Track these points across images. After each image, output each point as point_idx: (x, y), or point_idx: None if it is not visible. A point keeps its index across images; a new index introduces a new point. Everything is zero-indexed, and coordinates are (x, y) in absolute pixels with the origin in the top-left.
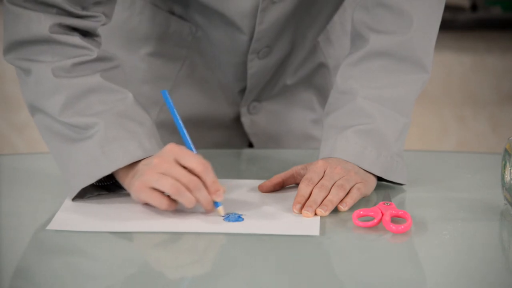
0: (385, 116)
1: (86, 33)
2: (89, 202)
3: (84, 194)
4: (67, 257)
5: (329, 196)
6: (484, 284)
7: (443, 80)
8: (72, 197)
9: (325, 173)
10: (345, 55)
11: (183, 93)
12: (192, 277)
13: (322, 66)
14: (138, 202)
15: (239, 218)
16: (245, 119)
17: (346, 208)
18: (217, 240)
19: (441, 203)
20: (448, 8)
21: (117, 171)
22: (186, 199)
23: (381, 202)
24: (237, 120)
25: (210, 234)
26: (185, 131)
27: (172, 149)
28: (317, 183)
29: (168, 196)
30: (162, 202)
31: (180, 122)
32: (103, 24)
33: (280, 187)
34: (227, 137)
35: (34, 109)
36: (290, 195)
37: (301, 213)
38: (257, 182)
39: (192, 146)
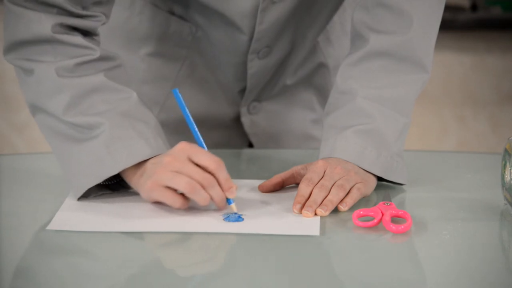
0: (385, 116)
1: (86, 33)
2: (89, 202)
3: (89, 193)
4: (68, 257)
5: (329, 196)
6: (484, 284)
7: (443, 80)
8: (78, 197)
9: (325, 173)
10: (345, 55)
11: (183, 93)
12: (192, 277)
13: (322, 66)
14: (147, 201)
15: (239, 218)
16: (245, 119)
17: (346, 208)
18: (217, 240)
19: (441, 203)
20: (448, 8)
21: (123, 170)
22: (200, 197)
23: (381, 202)
24: (237, 120)
25: (210, 234)
26: (196, 129)
27: (184, 147)
28: (317, 183)
29: (181, 194)
30: (176, 201)
31: (191, 120)
32: (103, 24)
33: (280, 187)
34: (227, 137)
35: (36, 109)
36: (290, 195)
37: (301, 213)
38: (257, 182)
39: (203, 143)
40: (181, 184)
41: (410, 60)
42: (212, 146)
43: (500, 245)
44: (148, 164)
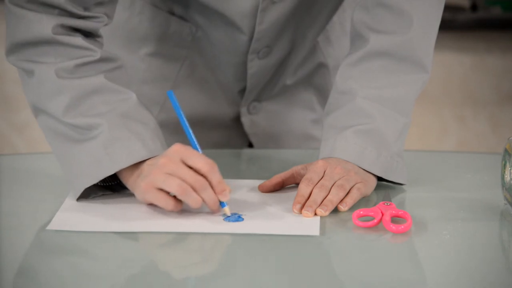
0: (385, 116)
1: (88, 34)
2: (89, 202)
3: (89, 194)
4: (68, 257)
5: (329, 196)
6: (484, 284)
7: (443, 80)
8: (76, 197)
9: (325, 173)
10: (344, 55)
11: (183, 93)
12: (192, 277)
13: (321, 66)
14: (142, 202)
15: (239, 218)
16: (245, 119)
17: (346, 208)
18: (217, 240)
19: (441, 203)
20: (448, 8)
21: (121, 171)
22: (192, 200)
23: (381, 202)
24: (237, 120)
25: (210, 234)
26: (190, 131)
27: (178, 149)
28: (317, 183)
29: (174, 197)
30: (168, 203)
31: (186, 122)
32: (105, 25)
33: (280, 187)
34: (227, 137)
35: (37, 110)
36: (290, 195)
37: (301, 213)
38: (257, 182)
39: (198, 146)
40: (173, 187)
41: (410, 60)
42: (212, 146)
43: (500, 245)
44: (145, 165)
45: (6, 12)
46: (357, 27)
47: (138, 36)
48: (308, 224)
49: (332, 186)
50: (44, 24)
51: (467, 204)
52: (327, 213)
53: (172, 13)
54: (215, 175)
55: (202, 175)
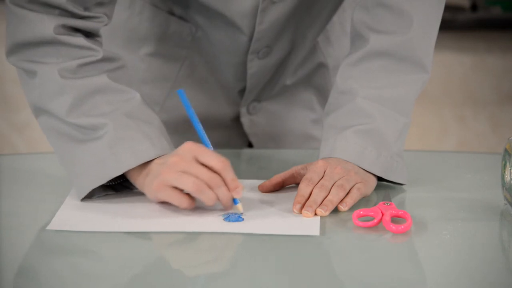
0: (385, 116)
1: (88, 34)
2: (89, 202)
3: (93, 194)
4: (69, 257)
5: (329, 196)
6: (484, 284)
7: (443, 80)
8: (81, 197)
9: (325, 173)
10: (344, 55)
11: None
12: (192, 277)
13: (321, 66)
14: (152, 201)
15: (239, 218)
16: (245, 119)
17: (346, 208)
18: (217, 240)
19: (441, 203)
20: (448, 8)
21: (128, 171)
22: (207, 197)
23: (381, 202)
24: (236, 120)
25: (210, 234)
26: (202, 129)
27: (191, 147)
28: (317, 183)
29: (188, 194)
30: (182, 201)
31: (197, 120)
32: (105, 25)
33: (280, 187)
34: (227, 137)
35: (38, 111)
36: (290, 195)
37: (301, 213)
38: (257, 182)
39: (209, 143)
40: (188, 184)
41: (410, 60)
42: (212, 146)
43: (500, 245)
44: (153, 164)
45: (7, 12)
46: (357, 27)
47: (138, 36)
48: (308, 224)
49: (332, 186)
50: (45, 24)
51: (467, 204)
52: (327, 213)
53: (172, 13)
54: (228, 173)
55: (215, 172)
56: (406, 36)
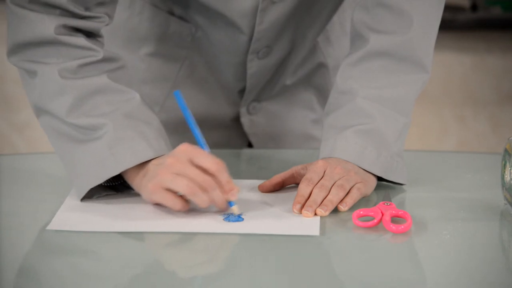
0: (385, 116)
1: (89, 34)
2: (90, 202)
3: (93, 194)
4: (70, 257)
5: (329, 196)
6: (484, 284)
7: (443, 80)
8: (81, 197)
9: (325, 173)
10: (344, 55)
11: (183, 93)
12: (193, 277)
13: (321, 66)
14: (148, 202)
15: (239, 218)
16: (245, 119)
17: (346, 208)
18: (217, 240)
19: (441, 203)
20: (448, 8)
21: (126, 171)
22: (200, 199)
23: (381, 202)
24: (236, 120)
25: (210, 234)
26: (198, 130)
27: (186, 149)
28: (317, 183)
29: (181, 196)
30: (176, 203)
31: (193, 121)
32: (106, 25)
33: (280, 187)
34: (227, 137)
35: (39, 111)
36: (290, 195)
37: (301, 213)
38: (257, 182)
39: (205, 145)
40: (181, 187)
41: (410, 60)
42: (212, 146)
43: (500, 245)
44: (151, 165)
45: (8, 13)
46: (357, 27)
47: (138, 36)
48: (308, 224)
49: (332, 186)
50: (46, 25)
51: (467, 204)
52: (327, 213)
53: (172, 13)
54: (223, 175)
55: (210, 174)
56: (406, 36)
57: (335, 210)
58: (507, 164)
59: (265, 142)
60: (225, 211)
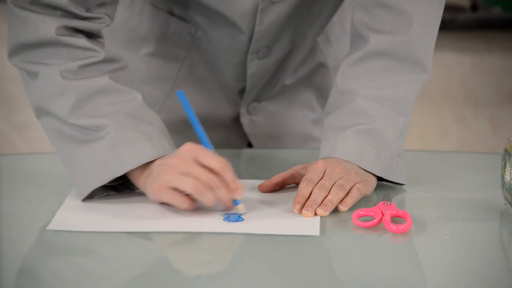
0: (385, 116)
1: (90, 35)
2: (90, 202)
3: (94, 194)
4: (71, 257)
5: (329, 196)
6: (484, 284)
7: (443, 80)
8: (82, 198)
9: (325, 173)
10: (344, 55)
11: None
12: (192, 277)
13: (321, 66)
14: (152, 202)
15: (239, 218)
16: (244, 120)
17: (346, 208)
18: (217, 240)
19: (441, 203)
20: (448, 8)
21: (129, 171)
22: (206, 198)
23: (381, 202)
24: (236, 120)
25: (210, 234)
26: (202, 130)
27: (191, 148)
28: (317, 183)
29: (188, 195)
30: (183, 202)
31: (197, 121)
32: (107, 26)
33: (280, 187)
34: (227, 137)
35: (40, 112)
36: (290, 195)
37: (301, 213)
38: (257, 182)
39: (209, 144)
40: (188, 186)
41: (410, 60)
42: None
43: (500, 245)
44: (154, 165)
45: (9, 14)
46: (357, 27)
47: (138, 36)
48: (308, 224)
49: (332, 186)
50: (47, 26)
51: (467, 204)
52: (327, 213)
53: (172, 13)
54: (228, 174)
55: (215, 173)
56: (406, 36)
57: (335, 210)
58: (507, 164)
59: (265, 142)
60: (231, 209)
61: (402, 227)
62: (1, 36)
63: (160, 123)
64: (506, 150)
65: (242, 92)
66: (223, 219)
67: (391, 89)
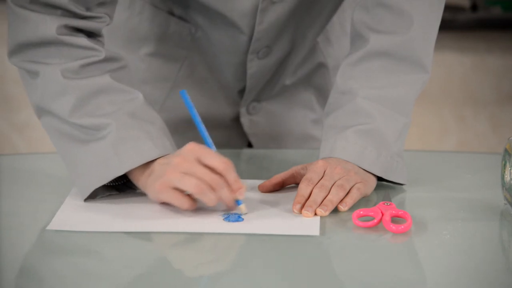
0: (385, 116)
1: (90, 34)
2: (90, 203)
3: (95, 194)
4: (71, 257)
5: (329, 196)
6: (484, 284)
7: (443, 80)
8: (84, 198)
9: (325, 173)
10: (344, 55)
11: None
12: (193, 277)
13: (321, 66)
14: (153, 202)
15: (239, 218)
16: (244, 120)
17: (346, 208)
18: (217, 240)
19: (441, 203)
20: (448, 8)
21: (131, 171)
22: (208, 198)
23: (381, 202)
24: (236, 120)
25: (210, 235)
26: (204, 130)
27: (193, 148)
28: (317, 183)
29: (189, 195)
30: (184, 202)
31: (200, 121)
32: (107, 25)
33: (280, 187)
34: (227, 137)
35: (41, 111)
36: (290, 195)
37: (301, 213)
38: (257, 182)
39: (212, 144)
40: (190, 186)
41: (410, 60)
42: None
43: (500, 245)
44: (156, 164)
45: (9, 13)
46: (357, 27)
47: (138, 36)
48: (308, 224)
49: (332, 186)
50: (48, 25)
51: (467, 204)
52: (327, 213)
53: (172, 13)
54: (231, 174)
55: (217, 173)
56: (406, 36)
57: (335, 210)
58: (507, 164)
59: (265, 142)
60: (233, 209)
61: (402, 227)
62: (1, 36)
63: (161, 122)
64: (506, 150)
65: (242, 92)
66: (223, 219)
67: (391, 89)
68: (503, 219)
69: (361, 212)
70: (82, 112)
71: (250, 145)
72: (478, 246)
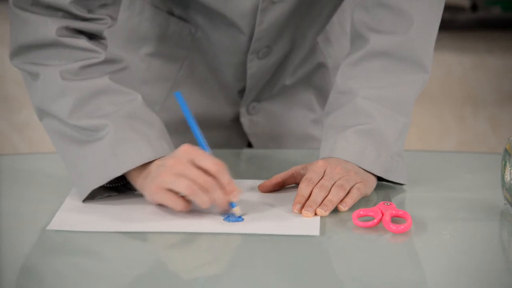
0: (385, 116)
1: (92, 36)
2: (90, 203)
3: (95, 195)
4: (71, 257)
5: (329, 196)
6: (484, 284)
7: (443, 80)
8: (83, 198)
9: (325, 173)
10: (344, 55)
11: (183, 93)
12: (193, 278)
13: (321, 66)
14: (151, 203)
15: (239, 218)
16: (244, 120)
17: (346, 208)
18: (217, 240)
19: (441, 203)
20: (448, 8)
21: (128, 172)
22: (201, 200)
23: (381, 202)
24: (236, 120)
25: (210, 234)
26: (199, 132)
27: (187, 150)
28: (317, 183)
29: (183, 197)
30: (178, 203)
31: (194, 123)
32: (109, 27)
33: (280, 187)
34: (227, 137)
35: (42, 113)
36: (290, 195)
37: (301, 213)
38: (257, 182)
39: (206, 146)
40: (182, 187)
41: (410, 60)
42: (212, 146)
43: (500, 245)
44: (153, 166)
45: (10, 15)
46: (357, 27)
47: (138, 36)
48: (308, 224)
49: (332, 186)
50: (48, 27)
51: (467, 204)
52: (327, 213)
53: (172, 13)
54: (224, 176)
55: (211, 175)
56: (406, 36)
57: (335, 210)
58: (507, 164)
59: (265, 142)
60: (227, 212)
61: (402, 227)
62: (1, 36)
63: (160, 124)
64: (506, 150)
65: (242, 92)
66: (223, 219)
67: (391, 89)
68: (503, 219)
69: (361, 212)
70: (81, 113)
71: (250, 145)
72: (478, 246)
